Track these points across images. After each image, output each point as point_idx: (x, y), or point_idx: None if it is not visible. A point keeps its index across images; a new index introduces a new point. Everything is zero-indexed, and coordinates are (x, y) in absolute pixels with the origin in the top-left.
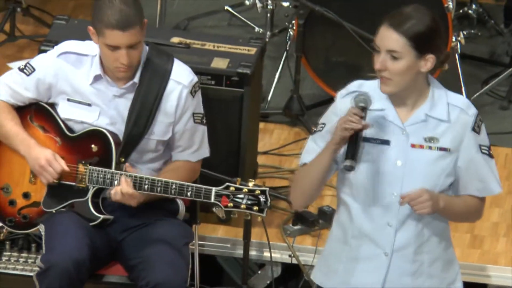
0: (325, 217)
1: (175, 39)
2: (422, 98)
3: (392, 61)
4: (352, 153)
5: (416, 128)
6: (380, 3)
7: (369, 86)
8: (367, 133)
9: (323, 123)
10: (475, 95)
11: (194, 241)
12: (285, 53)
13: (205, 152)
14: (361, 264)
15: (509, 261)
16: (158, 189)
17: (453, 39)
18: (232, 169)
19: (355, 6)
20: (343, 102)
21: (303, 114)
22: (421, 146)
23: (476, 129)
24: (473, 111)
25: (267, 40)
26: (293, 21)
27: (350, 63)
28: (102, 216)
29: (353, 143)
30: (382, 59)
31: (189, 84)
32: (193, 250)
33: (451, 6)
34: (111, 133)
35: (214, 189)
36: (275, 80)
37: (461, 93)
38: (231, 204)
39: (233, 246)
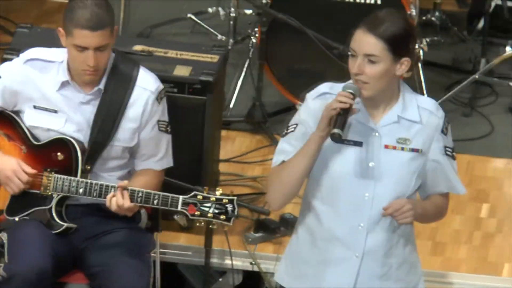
0: (287, 224)
1: (138, 47)
2: (394, 101)
3: (370, 65)
4: (340, 124)
5: (389, 129)
6: (343, 11)
7: (340, 88)
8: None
9: (295, 124)
10: (437, 102)
11: (155, 249)
12: (247, 60)
13: (169, 161)
14: (331, 267)
15: (471, 268)
16: None
17: (416, 46)
18: (194, 177)
19: (318, 14)
20: (314, 103)
21: (265, 121)
22: (394, 147)
23: (444, 131)
24: (441, 113)
25: (230, 47)
26: (256, 29)
27: (313, 71)
28: (65, 224)
29: (341, 117)
30: (359, 63)
31: (156, 91)
32: (154, 258)
33: (414, 13)
34: (77, 141)
35: (181, 197)
36: (238, 87)
37: None
38: (198, 213)
39: (195, 254)
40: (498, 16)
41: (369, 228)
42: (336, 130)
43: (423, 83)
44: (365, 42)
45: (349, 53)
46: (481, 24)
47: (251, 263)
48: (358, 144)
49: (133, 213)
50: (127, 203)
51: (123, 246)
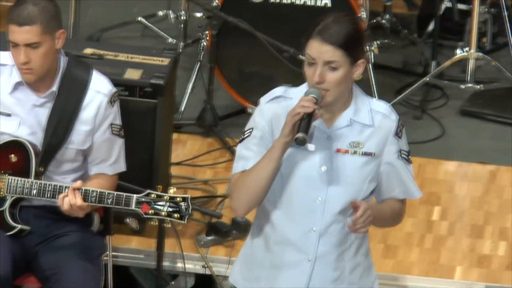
0: (239, 227)
1: (88, 50)
2: (347, 104)
3: (331, 72)
4: (304, 128)
5: (341, 133)
6: (293, 14)
7: (295, 93)
8: None
9: (250, 128)
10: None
11: (107, 252)
12: (198, 63)
13: (122, 166)
14: (284, 270)
15: (422, 270)
16: None
17: (367, 48)
18: (145, 180)
19: (268, 17)
20: (268, 106)
21: (216, 124)
22: (346, 151)
23: (398, 134)
24: (394, 116)
25: (180, 50)
26: (206, 32)
27: (263, 74)
28: (19, 226)
29: (305, 121)
30: (321, 72)
31: (109, 94)
32: (106, 261)
33: (364, 15)
34: (30, 143)
35: (135, 196)
36: (188, 90)
37: None
38: (152, 211)
39: (146, 257)
40: (448, 18)
41: (321, 232)
42: (300, 134)
43: (374, 86)
44: (324, 50)
45: (306, 61)
46: (431, 26)
47: (203, 266)
48: (310, 147)
49: (85, 214)
50: (79, 201)
51: (74, 249)
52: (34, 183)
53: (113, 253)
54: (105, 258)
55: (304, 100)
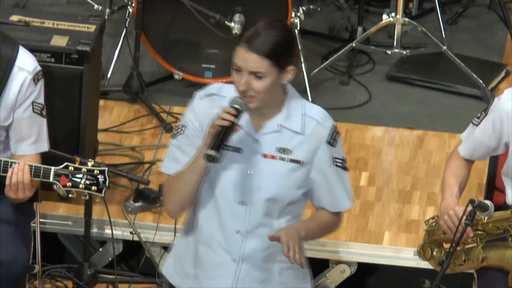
0: None
1: (14, 17)
2: (278, 108)
3: (257, 81)
4: (217, 145)
5: (270, 138)
6: None
7: (229, 90)
8: None
9: (183, 126)
10: (315, 71)
11: (35, 219)
12: (124, 30)
13: (44, 146)
14: (210, 270)
15: (350, 236)
16: None
17: (293, 14)
18: (72, 147)
19: None
20: (201, 103)
21: (143, 91)
22: (273, 157)
23: (331, 142)
24: (329, 123)
25: (106, 17)
26: None
27: (189, 40)
28: None
29: (219, 136)
30: (246, 81)
31: (33, 71)
32: (34, 228)
33: None
34: None
35: (53, 168)
36: (115, 57)
37: (301, 68)
38: (70, 184)
39: (74, 224)
40: None
41: (245, 234)
42: (209, 152)
43: (301, 52)
44: (251, 60)
45: (233, 67)
46: None
47: (131, 233)
48: (237, 150)
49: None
50: None
51: (3, 216)
52: None
53: (41, 220)
54: (33, 224)
55: (224, 112)
